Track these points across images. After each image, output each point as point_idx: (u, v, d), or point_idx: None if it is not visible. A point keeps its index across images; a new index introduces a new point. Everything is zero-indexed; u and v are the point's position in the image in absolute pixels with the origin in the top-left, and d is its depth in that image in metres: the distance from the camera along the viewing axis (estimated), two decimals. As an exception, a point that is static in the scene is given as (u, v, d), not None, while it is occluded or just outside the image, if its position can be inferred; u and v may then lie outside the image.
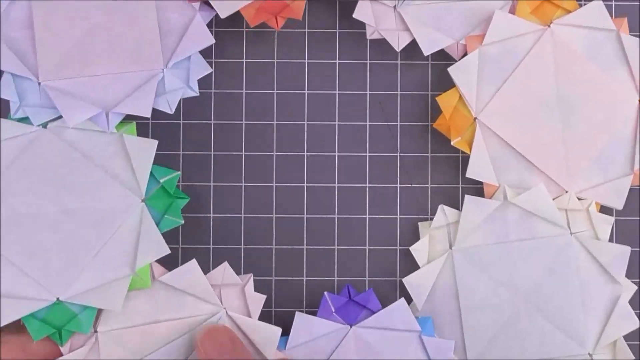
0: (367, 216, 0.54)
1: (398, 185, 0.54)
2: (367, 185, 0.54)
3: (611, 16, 0.53)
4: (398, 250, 0.54)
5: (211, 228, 0.53)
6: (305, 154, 0.54)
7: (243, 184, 0.53)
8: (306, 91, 0.54)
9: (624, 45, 0.52)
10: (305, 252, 0.54)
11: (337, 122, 0.54)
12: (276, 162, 0.54)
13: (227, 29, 0.54)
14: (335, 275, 0.54)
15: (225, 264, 0.49)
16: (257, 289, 0.50)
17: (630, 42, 0.52)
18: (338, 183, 0.54)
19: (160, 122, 0.53)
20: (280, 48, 0.54)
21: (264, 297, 0.50)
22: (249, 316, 0.49)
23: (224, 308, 0.49)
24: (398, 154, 0.54)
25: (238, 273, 0.53)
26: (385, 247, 0.54)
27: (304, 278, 0.54)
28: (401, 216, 0.54)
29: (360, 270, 0.54)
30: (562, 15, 0.52)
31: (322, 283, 0.54)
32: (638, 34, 0.54)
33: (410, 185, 0.54)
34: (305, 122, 0.54)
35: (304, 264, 0.54)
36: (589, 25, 0.52)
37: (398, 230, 0.54)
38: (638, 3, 0.54)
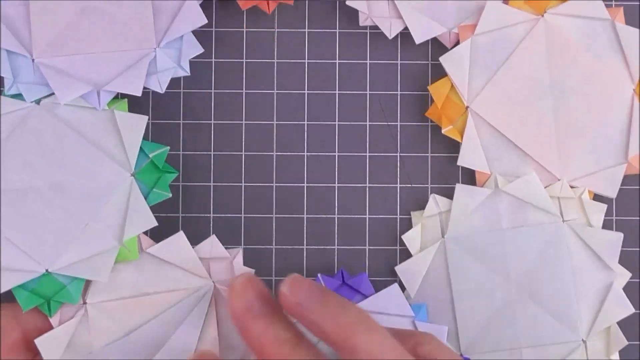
0: (367, 216, 0.54)
1: (398, 185, 0.54)
2: (367, 185, 0.54)
3: None
4: (398, 251, 0.54)
5: (211, 229, 0.53)
6: (305, 154, 0.54)
7: (243, 184, 0.54)
8: (306, 91, 0.54)
9: (618, 34, 0.52)
10: (305, 251, 0.54)
11: (337, 122, 0.54)
12: (276, 162, 0.54)
13: (227, 29, 0.54)
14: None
15: (213, 237, 0.50)
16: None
17: (625, 31, 0.52)
18: (338, 183, 0.54)
19: (161, 122, 0.54)
20: (280, 47, 0.54)
21: (252, 270, 0.50)
22: None
23: (213, 281, 0.49)
24: (398, 154, 0.54)
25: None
26: (385, 247, 0.54)
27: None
28: (401, 216, 0.54)
29: (361, 269, 0.54)
30: (556, 5, 0.52)
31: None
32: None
33: (410, 185, 0.54)
34: (305, 122, 0.54)
35: (304, 262, 0.54)
36: (583, 14, 0.52)
37: (398, 230, 0.54)
38: (638, 3, 0.54)
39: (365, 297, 0.50)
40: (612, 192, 0.52)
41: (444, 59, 0.52)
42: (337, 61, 0.54)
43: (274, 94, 0.54)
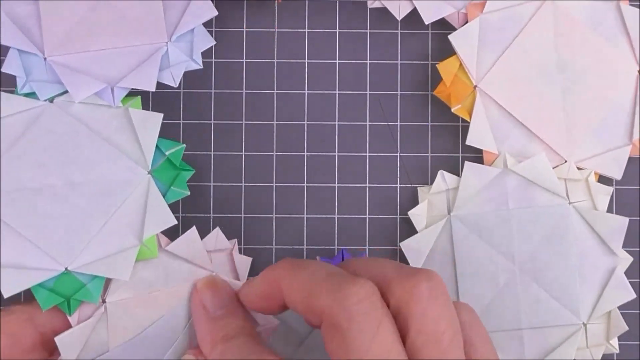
0: (367, 216, 0.55)
1: (398, 185, 0.55)
2: (367, 185, 0.55)
3: None
4: (398, 250, 0.55)
5: (211, 229, 0.53)
6: (305, 154, 0.54)
7: (243, 184, 0.54)
8: (306, 91, 0.54)
9: (624, 16, 0.52)
10: (305, 251, 0.55)
11: (337, 122, 0.54)
12: (276, 162, 0.54)
13: (227, 29, 0.54)
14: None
15: (218, 230, 0.51)
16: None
17: (629, 12, 0.52)
18: (338, 183, 0.54)
19: (163, 122, 0.53)
20: (280, 47, 0.54)
21: (250, 259, 0.51)
22: (237, 279, 0.51)
23: (215, 273, 0.51)
24: (398, 154, 0.55)
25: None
26: (384, 247, 0.55)
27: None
28: (401, 216, 0.55)
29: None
30: (564, -15, 0.52)
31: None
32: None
33: (410, 185, 0.54)
34: (305, 122, 0.54)
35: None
36: (590, -6, 0.52)
37: (398, 231, 0.55)
38: (638, 3, 0.54)
39: None
40: (617, 174, 0.53)
41: (453, 37, 0.52)
42: (337, 61, 0.54)
43: (274, 94, 0.54)
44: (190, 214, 0.54)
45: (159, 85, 0.50)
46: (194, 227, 0.50)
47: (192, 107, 0.54)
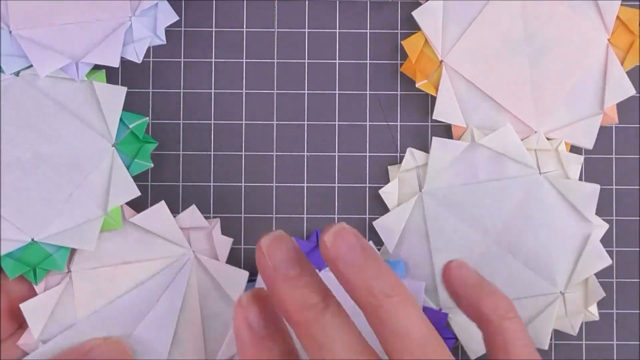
0: (367, 216, 0.55)
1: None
2: (367, 185, 0.54)
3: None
4: None
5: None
6: (305, 154, 0.54)
7: (243, 184, 0.54)
8: (306, 91, 0.55)
9: (593, -15, 0.53)
10: None
11: (337, 122, 0.55)
12: (276, 162, 0.54)
13: (227, 29, 0.55)
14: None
15: (193, 207, 0.52)
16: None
17: (598, -19, 0.53)
18: (338, 183, 0.54)
19: (161, 122, 0.54)
20: (280, 47, 0.55)
21: (230, 240, 0.52)
22: (217, 259, 0.51)
23: (193, 250, 0.51)
24: (398, 154, 0.55)
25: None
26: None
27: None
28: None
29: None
30: (530, -42, 0.53)
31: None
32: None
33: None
34: (305, 122, 0.55)
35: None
36: (558, -34, 0.53)
37: None
38: (638, 3, 0.54)
39: None
40: (588, 143, 0.52)
41: (416, 13, 0.52)
42: (337, 61, 0.55)
43: (274, 94, 0.55)
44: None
45: (158, 85, 0.52)
46: (163, 202, 0.51)
47: (192, 107, 0.54)
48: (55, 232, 0.50)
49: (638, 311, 0.54)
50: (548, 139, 0.52)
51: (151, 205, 0.52)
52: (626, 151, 0.55)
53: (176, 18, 0.52)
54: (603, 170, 0.54)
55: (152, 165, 0.51)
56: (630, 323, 0.54)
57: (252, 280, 0.51)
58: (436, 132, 0.54)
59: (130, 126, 0.51)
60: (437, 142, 0.52)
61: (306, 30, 0.55)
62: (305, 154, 0.54)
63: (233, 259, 0.53)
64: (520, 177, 0.52)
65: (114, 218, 0.50)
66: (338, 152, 0.54)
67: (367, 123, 0.55)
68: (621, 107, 0.53)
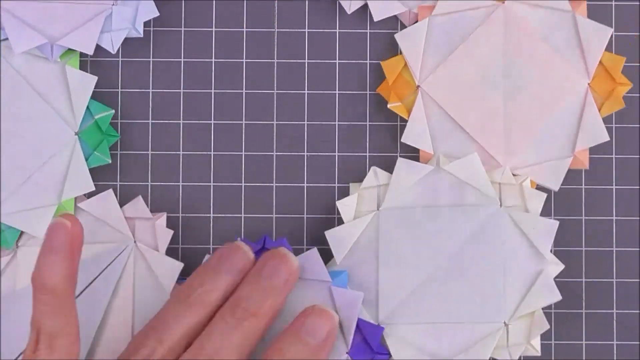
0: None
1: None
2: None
3: (611, 15, 0.54)
4: None
5: (211, 229, 0.54)
6: (305, 154, 0.55)
7: (243, 184, 0.54)
8: (306, 91, 0.55)
9: (579, 28, 0.52)
10: (305, 251, 0.53)
11: (337, 122, 0.55)
12: (276, 162, 0.55)
13: (226, 29, 0.55)
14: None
15: (139, 198, 0.52)
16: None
17: (585, 25, 0.52)
18: (338, 183, 0.54)
19: (161, 122, 0.55)
20: (280, 47, 0.55)
21: (171, 232, 0.52)
22: (157, 250, 0.52)
23: (134, 240, 0.52)
24: (398, 154, 0.54)
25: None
26: None
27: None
28: None
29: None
30: (519, -7, 0.53)
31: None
32: (637, 34, 0.54)
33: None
34: (305, 122, 0.55)
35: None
36: (545, 5, 0.52)
37: None
38: (638, 3, 0.54)
39: None
40: (554, 184, 0.52)
41: (399, 36, 0.53)
42: (337, 61, 0.55)
43: (273, 94, 0.55)
44: (191, 214, 0.54)
45: (158, 85, 0.53)
46: (111, 190, 0.52)
47: (192, 108, 0.55)
48: (9, 211, 0.51)
49: (638, 311, 0.54)
50: (514, 175, 0.52)
51: (150, 207, 0.53)
52: (626, 151, 0.54)
53: (157, 14, 0.52)
54: (603, 170, 0.54)
55: (110, 161, 0.52)
56: (630, 323, 0.54)
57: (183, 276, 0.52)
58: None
59: (96, 117, 0.52)
60: (401, 163, 0.52)
61: (306, 30, 0.55)
62: (305, 154, 0.55)
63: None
64: (480, 205, 0.52)
65: (67, 208, 0.51)
66: (338, 152, 0.54)
67: (367, 123, 0.55)
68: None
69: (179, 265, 0.51)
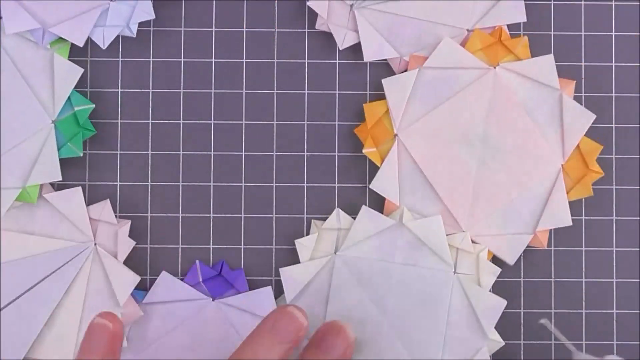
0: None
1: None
2: (367, 185, 0.55)
3: (611, 17, 0.55)
4: None
5: (211, 229, 0.55)
6: (305, 154, 0.55)
7: (243, 184, 0.55)
8: (306, 91, 0.55)
9: (563, 108, 0.52)
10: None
11: (337, 123, 0.55)
12: (276, 162, 0.55)
13: (227, 29, 0.55)
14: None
15: (107, 202, 0.53)
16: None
17: (571, 106, 0.52)
18: (338, 183, 0.55)
19: (161, 122, 0.55)
20: (280, 47, 0.55)
21: (133, 242, 0.52)
22: (116, 257, 0.52)
23: (95, 242, 0.52)
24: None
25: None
26: None
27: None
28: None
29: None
30: (511, 61, 0.52)
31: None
32: (637, 34, 0.55)
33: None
34: (305, 122, 0.55)
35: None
36: (534, 77, 0.53)
37: None
38: (638, 3, 0.54)
39: (239, 292, 0.52)
40: (511, 259, 0.53)
41: (386, 82, 0.53)
42: (337, 61, 0.55)
43: (273, 94, 0.55)
44: (190, 214, 0.55)
45: (158, 85, 0.53)
46: (79, 188, 0.52)
47: (192, 108, 0.55)
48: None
49: (638, 311, 0.55)
50: (473, 242, 0.52)
51: (151, 203, 0.54)
52: (626, 151, 0.55)
53: (152, 16, 0.52)
54: (603, 171, 0.54)
55: (82, 154, 0.52)
56: (630, 323, 0.55)
57: (141, 288, 0.53)
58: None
59: (75, 108, 0.52)
60: (364, 212, 0.53)
61: (306, 30, 0.55)
62: (305, 154, 0.55)
63: (231, 259, 0.54)
64: (433, 269, 0.52)
65: (31, 194, 0.51)
66: (338, 152, 0.55)
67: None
68: (621, 106, 0.54)
69: (135, 279, 0.51)
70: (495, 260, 0.53)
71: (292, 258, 0.54)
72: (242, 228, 0.54)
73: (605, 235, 0.55)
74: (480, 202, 0.52)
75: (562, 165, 0.52)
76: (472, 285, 0.52)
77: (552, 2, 0.54)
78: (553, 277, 0.55)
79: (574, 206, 0.54)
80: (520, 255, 0.54)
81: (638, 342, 0.55)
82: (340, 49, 0.53)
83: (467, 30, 0.53)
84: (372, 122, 0.53)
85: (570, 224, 0.52)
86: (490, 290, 0.52)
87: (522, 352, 0.54)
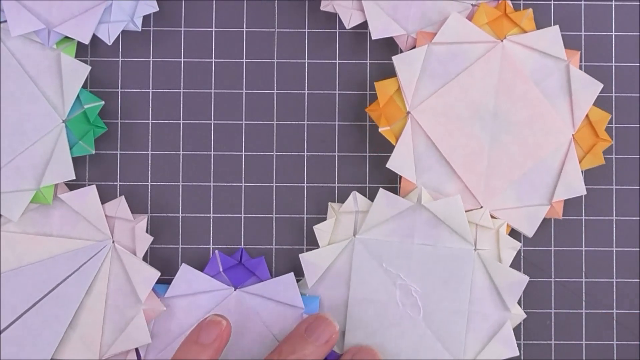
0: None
1: (397, 185, 0.55)
2: (367, 185, 0.55)
3: (610, 17, 0.56)
4: None
5: (211, 229, 0.55)
6: (305, 154, 0.55)
7: (243, 184, 0.55)
8: (306, 91, 0.55)
9: (570, 78, 0.53)
10: (305, 252, 0.54)
11: (337, 123, 0.55)
12: (276, 162, 0.55)
13: (227, 29, 0.55)
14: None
15: (122, 198, 0.53)
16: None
17: (577, 76, 0.53)
18: (338, 183, 0.55)
19: (161, 122, 0.55)
20: (281, 47, 0.55)
21: (151, 238, 0.53)
22: (135, 253, 0.53)
23: (113, 240, 0.52)
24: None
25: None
26: None
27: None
28: None
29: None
30: (518, 34, 0.53)
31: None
32: (637, 34, 0.55)
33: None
34: (305, 123, 0.55)
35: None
36: (541, 49, 0.53)
37: None
38: (638, 3, 0.55)
39: (260, 280, 0.53)
40: (529, 231, 0.53)
41: (396, 59, 0.53)
42: (337, 61, 0.55)
43: (273, 94, 0.55)
44: (190, 214, 0.55)
45: (158, 85, 0.54)
46: (94, 186, 0.52)
47: (192, 108, 0.55)
48: (-13, 194, 0.52)
49: (638, 311, 0.55)
50: (492, 217, 0.53)
51: (151, 206, 0.54)
52: (626, 151, 0.56)
53: (156, 9, 0.53)
54: (603, 171, 0.55)
55: (94, 152, 0.53)
56: (630, 323, 0.55)
57: (164, 281, 0.53)
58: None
59: (85, 106, 0.52)
60: (382, 195, 0.53)
61: (306, 30, 0.56)
62: (305, 154, 0.55)
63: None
64: (454, 248, 0.53)
65: (46, 195, 0.52)
66: (338, 152, 0.55)
67: (367, 123, 0.55)
68: (621, 106, 0.55)
69: (155, 274, 0.52)
70: (512, 234, 0.54)
71: (292, 258, 0.55)
72: (242, 228, 0.55)
73: (605, 235, 0.55)
74: (496, 176, 0.53)
75: (572, 135, 0.53)
76: (493, 262, 0.53)
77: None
78: (553, 277, 0.55)
79: (574, 206, 0.55)
80: (521, 256, 0.55)
81: (638, 342, 0.55)
82: (347, 28, 0.53)
83: (472, 5, 0.54)
84: (384, 100, 0.53)
85: (585, 192, 0.53)
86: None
87: (522, 352, 0.55)
